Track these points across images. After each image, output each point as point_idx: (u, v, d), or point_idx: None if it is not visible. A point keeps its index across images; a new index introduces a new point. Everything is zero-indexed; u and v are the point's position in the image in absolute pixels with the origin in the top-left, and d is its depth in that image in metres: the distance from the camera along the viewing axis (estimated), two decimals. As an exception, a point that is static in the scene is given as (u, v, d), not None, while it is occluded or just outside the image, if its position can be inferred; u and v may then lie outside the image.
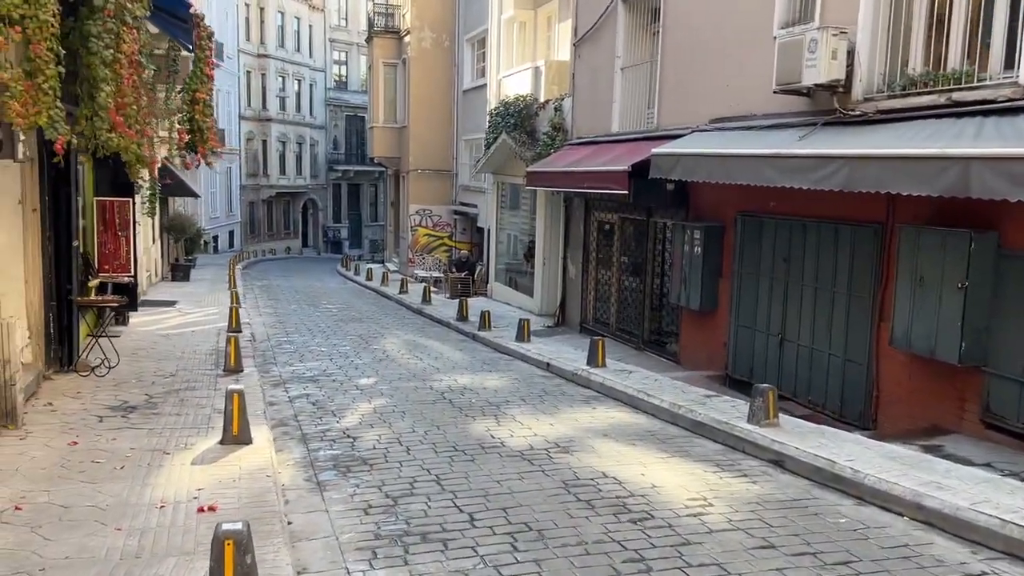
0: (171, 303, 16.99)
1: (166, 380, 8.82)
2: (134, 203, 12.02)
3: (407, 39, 28.29)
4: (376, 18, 30.78)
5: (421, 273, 27.06)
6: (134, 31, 6.90)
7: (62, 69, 5.89)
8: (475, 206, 25.72)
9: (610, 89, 13.39)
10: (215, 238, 41.93)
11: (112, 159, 11.63)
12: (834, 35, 8.10)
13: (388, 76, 30.20)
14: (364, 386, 9.66)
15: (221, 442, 6.24)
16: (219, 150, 12.75)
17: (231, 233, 45.32)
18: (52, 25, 5.58)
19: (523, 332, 12.88)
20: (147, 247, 19.43)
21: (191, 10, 9.11)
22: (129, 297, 12.23)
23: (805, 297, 9.14)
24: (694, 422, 7.83)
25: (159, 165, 22.38)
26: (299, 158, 52.23)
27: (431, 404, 8.63)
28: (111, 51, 6.43)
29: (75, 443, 6.07)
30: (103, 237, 11.79)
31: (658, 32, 12.17)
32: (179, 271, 22.52)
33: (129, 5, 6.66)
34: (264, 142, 48.78)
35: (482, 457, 6.67)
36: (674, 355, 11.75)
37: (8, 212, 7.49)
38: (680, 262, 11.01)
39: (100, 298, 8.84)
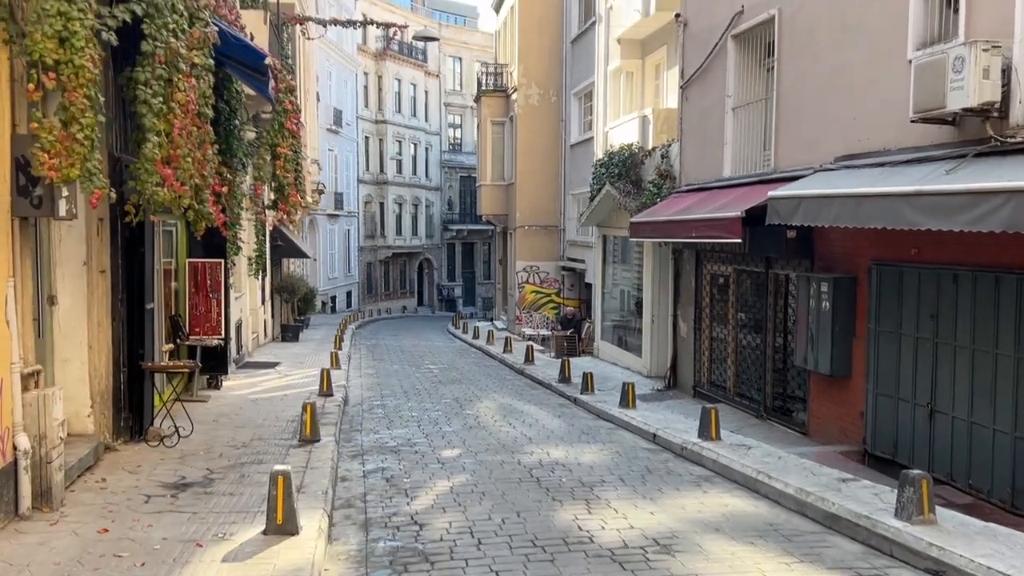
0: (273, 364, 16.83)
1: (236, 452, 8.26)
2: (226, 264, 11.81)
3: (514, 96, 28.13)
4: (485, 78, 30.90)
5: (528, 331, 26.27)
6: (192, 79, 6.50)
7: (102, 118, 5.48)
8: (583, 261, 24.83)
9: (721, 131, 12.32)
10: (333, 298, 42.84)
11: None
12: (984, 50, 6.81)
13: (496, 134, 30.09)
14: (447, 459, 8.79)
15: (264, 532, 5.49)
16: (309, 207, 12.46)
17: (349, 293, 46.25)
18: (89, 71, 5.18)
19: (628, 397, 11.74)
20: (254, 308, 19.57)
21: (266, 60, 8.75)
22: (219, 360, 11.96)
23: (960, 361, 7.65)
24: (827, 514, 6.48)
25: (270, 227, 22.84)
26: (415, 219, 53.19)
27: (516, 484, 7.64)
28: (160, 99, 6.02)
29: (106, 531, 5.46)
30: (195, 299, 11.60)
31: (772, 67, 11.07)
32: (288, 332, 22.64)
33: (184, 52, 6.27)
34: (381, 204, 49.97)
35: (564, 556, 5.61)
36: (801, 425, 10.30)
37: (72, 275, 7.18)
38: (805, 319, 9.67)
39: (170, 363, 8.46)
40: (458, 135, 56.92)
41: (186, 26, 6.36)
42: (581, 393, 13.38)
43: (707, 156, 12.84)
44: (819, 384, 9.88)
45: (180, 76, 6.22)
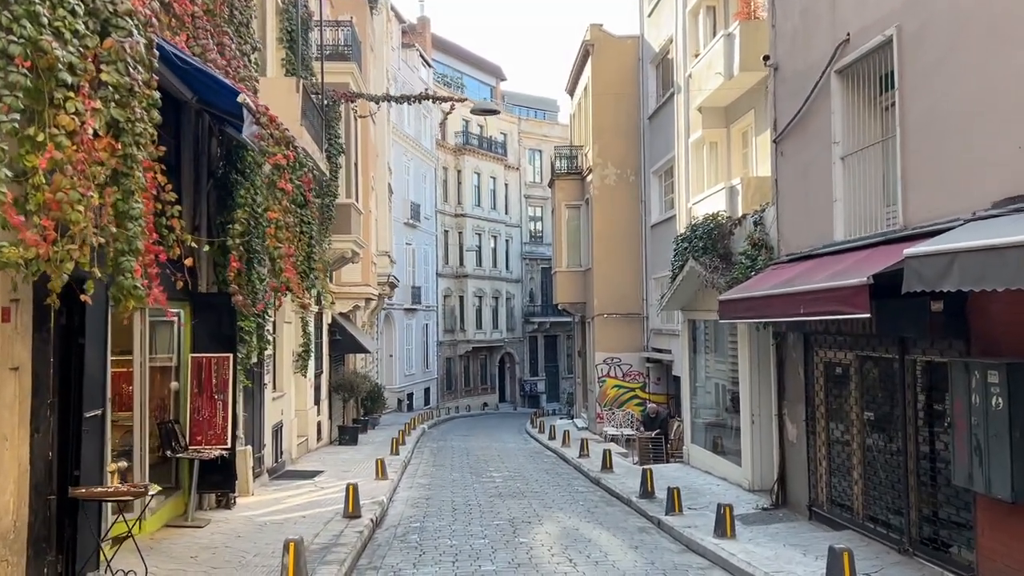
0: (314, 474, 14.88)
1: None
2: (235, 360, 10.06)
3: (590, 178, 26.46)
4: (559, 161, 29.46)
5: (610, 430, 23.66)
6: (92, 100, 4.80)
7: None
8: (669, 352, 22.32)
9: (827, 186, 10.01)
10: (410, 395, 41.18)
11: (218, 307, 9.87)
12: None
13: (571, 218, 28.36)
14: (475, 619, 6.48)
15: None
16: (326, 296, 10.68)
17: (427, 390, 44.57)
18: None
19: (725, 521, 9.17)
20: (302, 409, 17.84)
21: (239, 98, 7.07)
22: (224, 474, 10.04)
23: None
24: None
25: (327, 319, 21.39)
26: (495, 312, 51.67)
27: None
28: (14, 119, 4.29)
29: None
30: (197, 402, 9.83)
31: (892, 103, 8.83)
32: (346, 434, 20.80)
33: (76, 62, 4.59)
34: (461, 297, 48.74)
35: None
36: (967, 568, 7.50)
37: (-34, 374, 5.43)
38: (967, 421, 7.06)
39: (109, 488, 6.56)
40: (539, 227, 55.77)
41: (81, 28, 4.74)
42: (666, 514, 10.82)
43: (811, 218, 10.51)
44: (993, 512, 7.14)
45: (66, 93, 4.55)
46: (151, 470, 9.62)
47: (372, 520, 10.34)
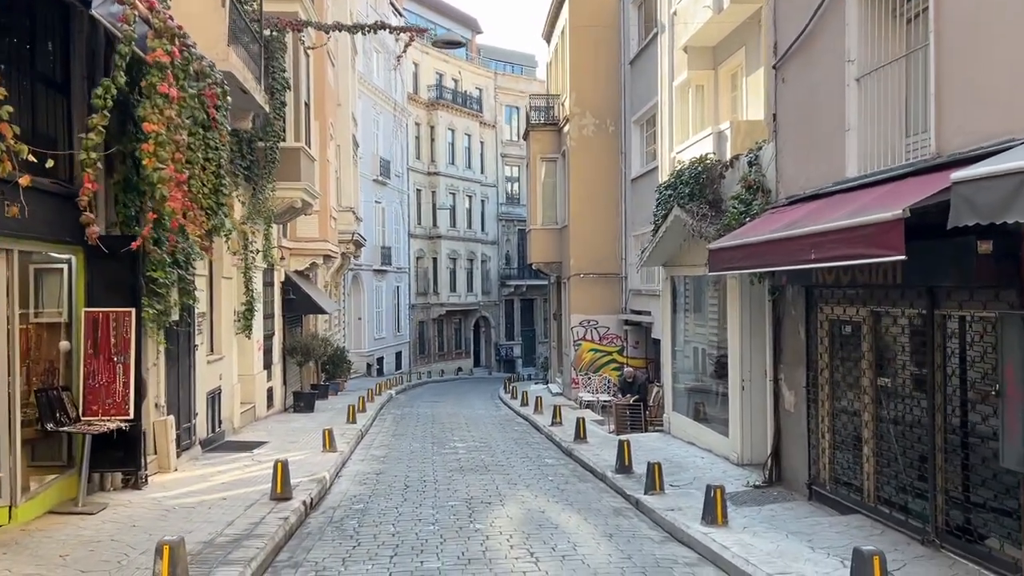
0: (255, 445, 13.38)
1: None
2: (139, 314, 8.45)
3: (566, 129, 24.80)
4: (533, 113, 27.72)
5: (586, 396, 22.34)
6: None
7: None
8: (648, 313, 20.96)
9: (838, 114, 8.51)
10: (380, 360, 39.69)
11: (118, 253, 8.25)
12: None
13: (547, 173, 26.74)
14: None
15: None
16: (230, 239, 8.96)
17: (399, 354, 43.10)
18: None
19: (715, 505, 7.80)
20: (247, 374, 16.25)
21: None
22: (126, 451, 8.48)
23: None
24: None
25: (279, 276, 19.74)
26: (470, 275, 50.12)
27: None
28: None
29: None
30: (92, 365, 8.24)
31: (925, 7, 7.32)
32: (302, 400, 19.27)
33: None
34: (434, 259, 47.12)
35: None
36: (1012, 566, 6.17)
37: None
38: (1021, 389, 5.67)
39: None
40: (516, 187, 54.08)
41: None
42: (646, 492, 9.45)
43: (817, 154, 9.02)
44: (1049, 500, 5.79)
45: None
46: (34, 447, 8.08)
47: (306, 503, 8.86)
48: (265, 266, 17.22)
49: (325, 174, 21.33)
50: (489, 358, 51.92)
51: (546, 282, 43.38)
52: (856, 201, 7.37)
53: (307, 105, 17.12)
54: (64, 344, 8.43)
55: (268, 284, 18.23)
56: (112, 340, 8.25)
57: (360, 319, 37.58)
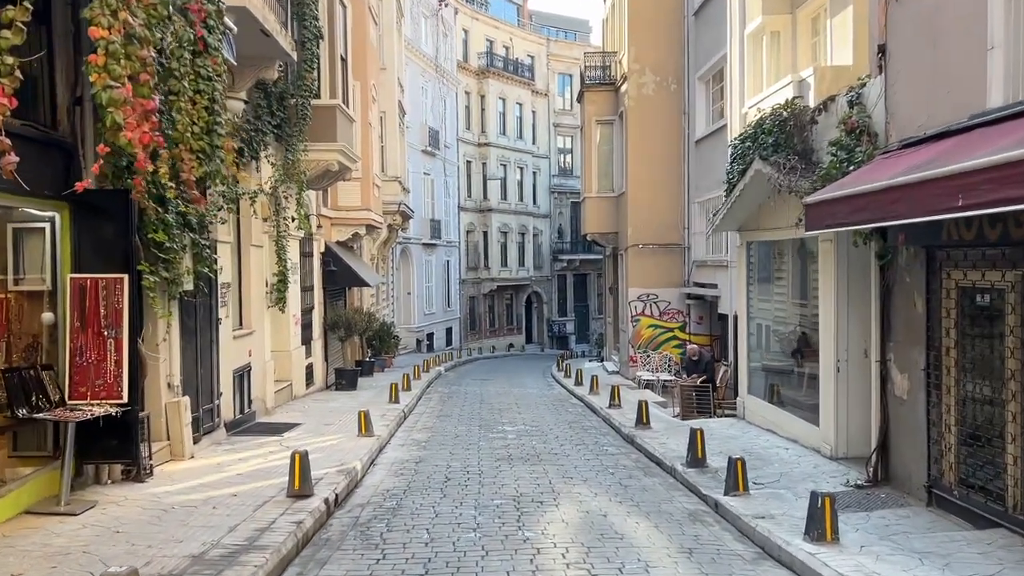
0: (287, 427, 12.26)
1: None
2: (133, 281, 7.26)
3: (624, 88, 23.07)
4: (588, 73, 26.00)
5: (645, 375, 20.83)
6: None
7: None
8: (715, 287, 19.29)
9: (978, 29, 6.80)
10: (430, 335, 38.68)
11: (108, 210, 7.04)
12: None
13: (603, 137, 25.05)
14: None
15: None
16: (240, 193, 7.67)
17: (449, 330, 42.03)
18: None
19: (822, 518, 6.30)
20: (282, 350, 15.17)
21: None
22: (121, 438, 7.33)
23: None
24: None
25: (319, 245, 18.60)
26: (522, 249, 48.68)
27: None
28: None
29: None
30: (79, 340, 7.08)
31: None
32: (344, 378, 18.18)
33: None
34: (485, 233, 45.81)
35: None
36: None
37: None
38: None
39: None
40: (568, 159, 52.36)
41: None
42: (727, 493, 7.97)
43: (946, 83, 7.32)
44: None
45: None
46: (16, 435, 6.98)
47: (328, 500, 7.62)
48: (302, 235, 16.07)
49: (367, 139, 20.09)
50: (541, 334, 50.61)
51: (600, 256, 41.76)
52: (1010, 135, 5.72)
53: (344, 61, 15.82)
54: (47, 316, 7.31)
55: (307, 254, 17.12)
56: (102, 311, 7.09)
57: (409, 294, 36.56)
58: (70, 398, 7.01)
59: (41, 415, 6.71)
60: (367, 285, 20.49)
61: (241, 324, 12.80)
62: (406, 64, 33.33)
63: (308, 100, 13.46)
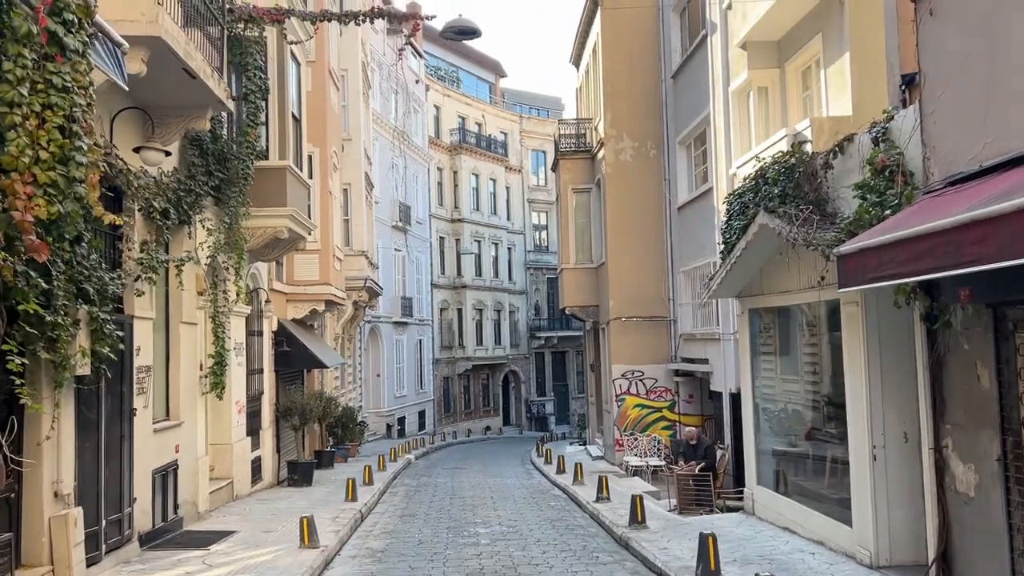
0: (217, 537, 10.30)
1: None
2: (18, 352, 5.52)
3: (601, 155, 22.01)
4: (563, 140, 25.02)
5: (633, 461, 19.06)
6: None
7: None
8: (705, 361, 17.76)
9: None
10: (401, 420, 36.53)
11: None
12: None
13: (580, 205, 23.87)
14: None
15: None
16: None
17: (421, 413, 39.88)
18: None
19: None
20: (221, 443, 13.29)
21: None
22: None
23: None
24: None
25: (269, 323, 16.85)
26: (497, 326, 47.09)
27: None
28: None
29: None
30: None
31: None
32: (297, 472, 16.18)
33: None
34: (459, 311, 44.27)
35: None
36: None
37: None
38: None
39: None
40: (544, 235, 51.45)
41: None
42: (757, 625, 6.21)
43: (1006, 101, 5.98)
44: None
45: None
46: None
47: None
48: (248, 311, 14.40)
49: (326, 207, 18.66)
50: (519, 415, 48.57)
51: (580, 332, 40.23)
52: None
53: (297, 121, 14.47)
54: None
55: (255, 333, 15.38)
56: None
57: (379, 375, 34.63)
58: None
59: None
60: (325, 367, 18.69)
61: (168, 415, 10.97)
62: (375, 138, 32.33)
63: (251, 160, 11.99)
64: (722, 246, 11.50)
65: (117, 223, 6.21)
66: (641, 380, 20.57)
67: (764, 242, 9.46)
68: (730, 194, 11.46)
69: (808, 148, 9.56)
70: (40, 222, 5.29)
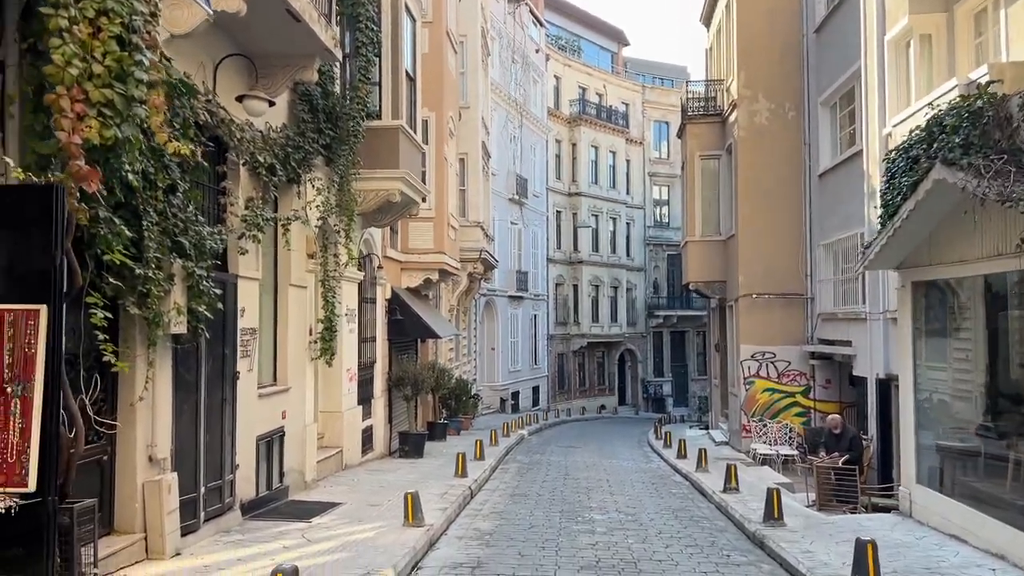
0: (321, 509, 9.88)
1: None
2: (55, 315, 5.06)
3: (733, 118, 20.43)
4: (690, 104, 23.48)
5: (761, 448, 17.66)
6: None
7: None
8: (847, 343, 16.12)
9: None
10: (515, 395, 36.12)
11: (24, 212, 4.88)
12: None
13: (707, 173, 22.34)
14: None
15: None
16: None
17: (535, 389, 39.36)
18: None
19: None
20: (334, 411, 12.96)
21: None
22: (26, 546, 5.04)
23: None
24: None
25: (383, 290, 16.44)
26: (614, 303, 45.85)
27: None
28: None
29: None
30: (-27, 397, 4.90)
31: None
32: (408, 443, 15.81)
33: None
34: (575, 287, 43.34)
35: None
36: None
37: None
38: None
39: None
40: (664, 211, 49.65)
41: None
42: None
43: None
44: None
45: None
46: None
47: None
48: (361, 277, 13.99)
49: (442, 174, 18.10)
50: (635, 396, 47.31)
51: (702, 311, 38.50)
52: None
53: (411, 80, 13.84)
54: (-72, 362, 5.18)
55: (368, 300, 15.01)
56: (6, 358, 4.90)
57: (493, 349, 34.26)
58: (-50, 483, 4.81)
59: None
60: (438, 337, 18.21)
61: (275, 380, 10.64)
62: (493, 108, 31.69)
63: (362, 117, 11.43)
64: (880, 210, 10.01)
65: (182, 152, 5.58)
66: (772, 362, 19.05)
67: (938, 201, 8.02)
68: (893, 149, 9.95)
69: (999, 89, 8.00)
70: (94, 148, 4.72)
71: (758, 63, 19.56)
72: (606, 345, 45.52)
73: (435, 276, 18.19)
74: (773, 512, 9.82)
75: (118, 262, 5.84)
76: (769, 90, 19.51)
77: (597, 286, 44.45)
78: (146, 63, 4.88)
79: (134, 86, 4.78)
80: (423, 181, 14.87)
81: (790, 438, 18.13)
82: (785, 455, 17.00)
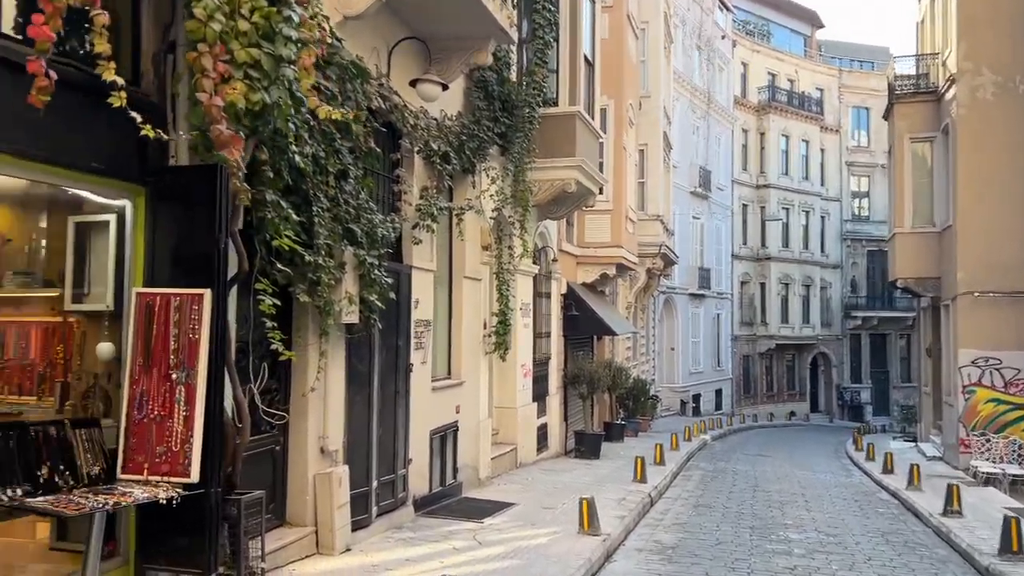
0: (493, 510, 9.53)
1: None
2: (220, 296, 4.92)
3: (951, 94, 18.15)
4: (897, 82, 21.19)
5: (984, 466, 15.50)
6: None
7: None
8: (1101, 350, 13.70)
9: None
10: (695, 397, 34.68)
11: (196, 194, 4.79)
12: None
13: (918, 158, 20.06)
14: None
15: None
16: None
17: (718, 392, 37.66)
18: None
19: None
20: (508, 407, 12.64)
21: None
22: (192, 534, 4.92)
23: None
24: None
25: (558, 284, 15.97)
26: (806, 303, 42.93)
27: None
28: None
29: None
30: (139, 384, 4.86)
31: None
32: (584, 443, 15.26)
33: None
34: (762, 284, 41.06)
35: None
36: None
37: None
38: None
39: None
40: (863, 203, 45.88)
41: None
42: None
43: None
44: None
45: None
46: (60, 521, 4.88)
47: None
48: (536, 271, 13.61)
49: (620, 165, 17.38)
50: (829, 402, 44.05)
51: (907, 312, 35.12)
52: None
53: (590, 65, 13.26)
54: (103, 347, 5.20)
55: (543, 295, 14.61)
56: (171, 344, 4.82)
57: (673, 349, 33.06)
58: (124, 471, 4.77)
59: (30, 503, 4.39)
60: (615, 334, 17.52)
61: (449, 373, 10.43)
62: (675, 98, 30.51)
63: (537, 103, 10.99)
64: None
65: (335, 116, 5.26)
66: (998, 369, 16.70)
67: None
68: None
69: None
70: (243, 113, 4.48)
71: (983, 32, 17.22)
72: (796, 347, 42.73)
73: (612, 271, 17.50)
74: (1011, 544, 8.35)
75: (287, 248, 5.69)
76: (995, 62, 17.11)
77: (787, 284, 41.81)
78: (295, 19, 4.62)
79: (283, 44, 4.52)
80: (600, 171, 14.25)
81: (1020, 455, 15.80)
82: (1014, 475, 14.83)
